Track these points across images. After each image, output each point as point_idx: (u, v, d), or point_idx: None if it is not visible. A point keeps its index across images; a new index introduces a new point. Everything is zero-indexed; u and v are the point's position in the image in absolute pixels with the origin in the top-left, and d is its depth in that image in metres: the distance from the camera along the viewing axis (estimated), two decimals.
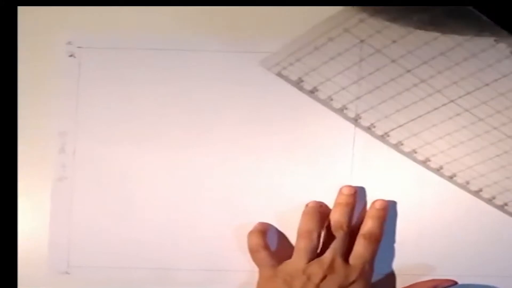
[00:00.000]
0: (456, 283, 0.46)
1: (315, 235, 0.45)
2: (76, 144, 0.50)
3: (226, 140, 0.49)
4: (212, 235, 0.50)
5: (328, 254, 0.45)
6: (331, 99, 0.47)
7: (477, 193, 0.47)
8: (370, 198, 0.49)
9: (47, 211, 0.50)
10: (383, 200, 0.47)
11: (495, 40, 0.42)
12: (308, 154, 0.49)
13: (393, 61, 0.44)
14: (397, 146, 0.47)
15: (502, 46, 0.43)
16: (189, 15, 0.49)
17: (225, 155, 0.49)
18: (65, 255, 0.50)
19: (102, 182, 0.50)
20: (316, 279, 0.44)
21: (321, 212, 0.47)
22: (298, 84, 0.47)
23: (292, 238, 0.48)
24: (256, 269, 0.48)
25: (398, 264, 0.49)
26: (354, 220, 0.48)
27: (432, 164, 0.47)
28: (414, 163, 0.48)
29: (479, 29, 0.40)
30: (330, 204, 0.49)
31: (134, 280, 0.50)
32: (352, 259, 0.45)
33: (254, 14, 0.49)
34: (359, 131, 0.48)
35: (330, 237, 0.46)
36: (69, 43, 0.50)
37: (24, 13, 0.49)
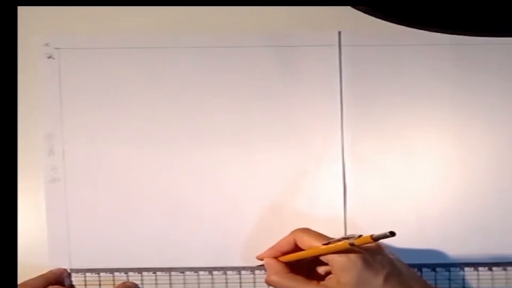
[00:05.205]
0: None
1: None
2: (65, 146, 0.51)
3: (216, 135, 0.51)
4: (212, 232, 0.51)
5: None
6: None
7: None
8: (363, 190, 0.51)
9: (43, 214, 0.50)
10: None
11: None
12: (299, 148, 0.51)
13: None
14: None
15: None
16: (168, 14, 0.51)
17: (217, 151, 0.51)
18: (66, 256, 0.51)
19: (95, 181, 0.51)
20: None
21: None
22: None
23: (289, 230, 0.48)
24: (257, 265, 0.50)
25: (397, 254, 0.47)
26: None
27: None
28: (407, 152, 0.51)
29: None
30: (322, 199, 0.51)
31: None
32: None
33: (233, 12, 0.51)
34: (346, 123, 0.51)
35: None
36: (47, 44, 0.50)
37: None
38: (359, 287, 0.42)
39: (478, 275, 0.50)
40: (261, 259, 0.48)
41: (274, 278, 0.46)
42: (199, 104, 0.51)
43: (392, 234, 0.39)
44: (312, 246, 0.45)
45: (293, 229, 0.47)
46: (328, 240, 0.44)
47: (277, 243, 0.48)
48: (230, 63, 0.51)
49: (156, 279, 0.51)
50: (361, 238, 0.41)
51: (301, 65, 0.50)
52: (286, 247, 0.47)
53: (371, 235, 0.40)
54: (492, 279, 0.50)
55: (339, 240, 0.43)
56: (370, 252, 0.43)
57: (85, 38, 0.51)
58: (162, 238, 0.51)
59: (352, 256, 0.42)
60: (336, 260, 0.43)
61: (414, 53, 0.50)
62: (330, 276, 0.44)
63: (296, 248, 0.46)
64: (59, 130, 0.51)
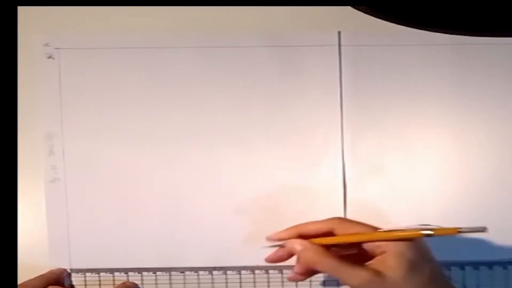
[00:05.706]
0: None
1: None
2: (65, 146, 0.51)
3: (216, 135, 0.51)
4: (212, 232, 0.51)
5: None
6: None
7: None
8: (363, 190, 0.51)
9: (43, 214, 0.51)
10: None
11: None
12: (299, 148, 0.51)
13: None
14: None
15: None
16: (168, 14, 0.51)
17: (217, 151, 0.51)
18: (66, 256, 0.51)
19: (95, 181, 0.51)
20: None
21: None
22: None
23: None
24: (257, 265, 0.51)
25: None
26: None
27: None
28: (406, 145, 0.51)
29: None
30: (322, 199, 0.51)
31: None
32: None
33: (233, 12, 0.51)
34: (346, 123, 0.51)
35: None
36: (46, 44, 0.50)
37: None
38: (410, 275, 0.40)
39: (478, 274, 0.50)
40: (278, 239, 0.45)
41: (315, 257, 0.42)
42: (199, 104, 0.51)
43: (483, 229, 0.39)
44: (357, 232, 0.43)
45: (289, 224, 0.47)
46: (369, 229, 0.43)
47: (303, 226, 0.44)
48: (230, 63, 0.51)
49: (156, 279, 0.51)
50: (444, 229, 0.41)
51: (301, 65, 0.50)
52: (314, 232, 0.44)
53: (458, 228, 0.40)
54: (492, 278, 0.51)
55: (390, 230, 0.42)
56: (421, 248, 0.42)
57: (85, 38, 0.51)
58: (162, 238, 0.51)
59: (411, 244, 0.41)
60: (392, 244, 0.41)
61: (414, 53, 0.50)
62: (376, 259, 0.42)
63: (325, 236, 0.44)
64: (59, 130, 0.51)
